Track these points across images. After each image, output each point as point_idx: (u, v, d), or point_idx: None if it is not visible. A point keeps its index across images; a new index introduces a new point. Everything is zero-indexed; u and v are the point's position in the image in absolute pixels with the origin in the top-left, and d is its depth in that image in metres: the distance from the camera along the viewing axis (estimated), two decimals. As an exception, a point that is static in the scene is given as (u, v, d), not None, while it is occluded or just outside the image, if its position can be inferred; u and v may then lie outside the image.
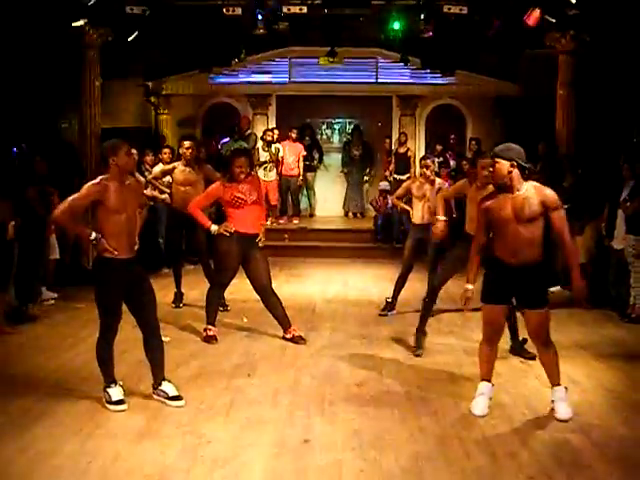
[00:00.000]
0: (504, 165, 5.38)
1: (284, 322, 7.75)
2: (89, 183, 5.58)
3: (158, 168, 10.48)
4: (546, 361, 5.68)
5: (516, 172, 5.38)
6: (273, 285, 7.81)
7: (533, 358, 6.84)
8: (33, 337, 7.83)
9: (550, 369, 5.67)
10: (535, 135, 12.65)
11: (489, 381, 5.74)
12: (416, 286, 9.44)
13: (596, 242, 9.51)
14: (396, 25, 13.46)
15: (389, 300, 9.02)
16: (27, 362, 6.91)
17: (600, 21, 12.06)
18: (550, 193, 5.39)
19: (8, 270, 8.19)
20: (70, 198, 5.57)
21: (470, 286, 5.73)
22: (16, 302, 8.42)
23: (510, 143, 5.61)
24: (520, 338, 7.06)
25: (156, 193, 10.59)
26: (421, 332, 7.42)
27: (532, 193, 5.37)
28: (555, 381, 5.66)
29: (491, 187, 5.87)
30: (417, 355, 7.22)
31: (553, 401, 5.62)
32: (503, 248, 5.48)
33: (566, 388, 5.66)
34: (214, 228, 7.63)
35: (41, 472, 4.58)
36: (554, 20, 12.02)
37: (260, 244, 7.67)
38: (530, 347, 6.83)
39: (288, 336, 7.69)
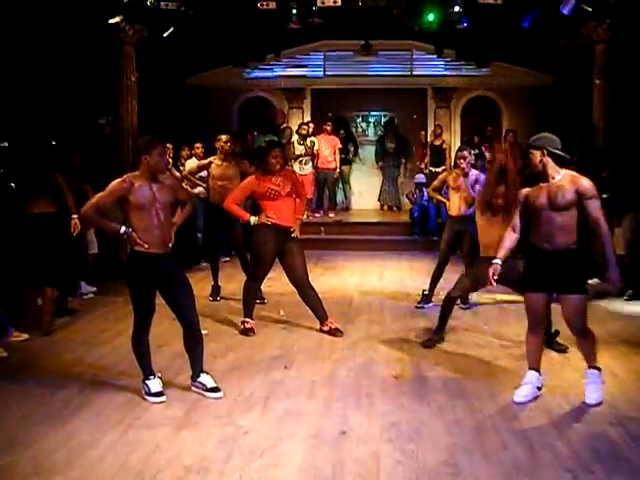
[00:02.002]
0: (535, 154, 5.44)
1: (321, 314, 7.76)
2: (115, 181, 5.64)
3: (193, 163, 10.52)
4: (583, 346, 5.68)
5: (548, 160, 5.42)
6: (310, 278, 7.84)
7: (564, 351, 6.83)
8: (73, 330, 7.94)
9: (586, 352, 5.69)
10: (571, 126, 12.53)
11: (535, 370, 5.75)
12: (453, 278, 9.38)
13: (635, 233, 9.40)
14: (430, 17, 13.42)
15: (426, 293, 8.99)
16: (67, 355, 7.00)
17: (637, 10, 11.91)
18: (585, 182, 5.38)
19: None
20: (97, 195, 5.67)
21: (498, 261, 5.66)
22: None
23: (544, 132, 5.64)
24: (552, 330, 6.98)
25: (189, 188, 10.60)
26: (439, 333, 7.35)
27: (567, 182, 5.38)
28: (590, 363, 5.68)
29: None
30: (425, 345, 7.21)
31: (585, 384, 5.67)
32: (537, 234, 5.53)
33: (599, 369, 5.64)
34: (253, 219, 7.64)
35: (82, 462, 4.64)
36: (590, 9, 11.90)
37: (293, 235, 7.68)
38: (561, 338, 6.84)
39: (325, 328, 7.71)
